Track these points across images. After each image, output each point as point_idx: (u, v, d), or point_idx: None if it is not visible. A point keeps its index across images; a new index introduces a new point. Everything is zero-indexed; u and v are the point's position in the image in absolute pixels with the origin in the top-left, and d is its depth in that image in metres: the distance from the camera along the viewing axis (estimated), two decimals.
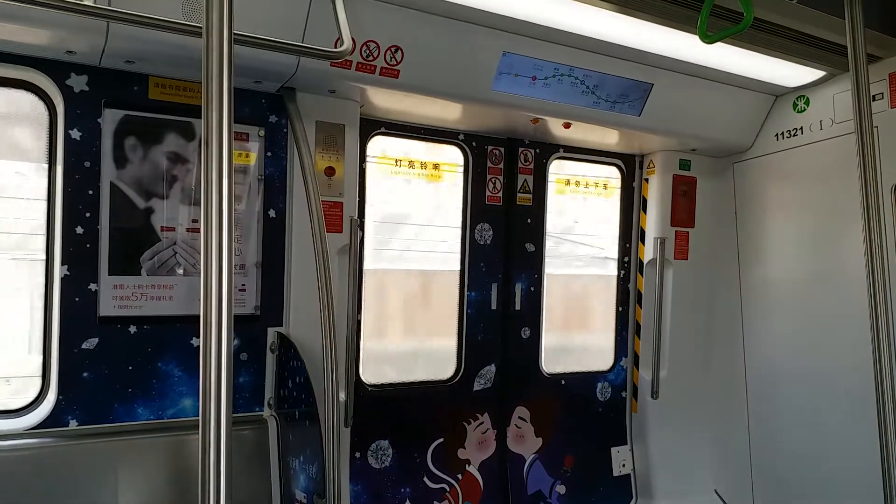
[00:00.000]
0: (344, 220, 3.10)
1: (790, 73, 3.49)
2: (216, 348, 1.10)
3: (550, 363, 4.06)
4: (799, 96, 3.70)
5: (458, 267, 3.78)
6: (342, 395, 3.08)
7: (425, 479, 3.64)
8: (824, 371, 3.59)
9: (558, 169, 4.09)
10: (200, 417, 1.10)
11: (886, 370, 2.17)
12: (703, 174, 4.22)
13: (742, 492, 4.10)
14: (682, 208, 4.17)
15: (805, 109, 3.67)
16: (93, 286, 2.71)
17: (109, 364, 2.75)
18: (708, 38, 2.51)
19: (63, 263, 2.66)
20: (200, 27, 1.17)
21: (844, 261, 3.43)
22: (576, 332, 4.41)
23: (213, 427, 1.09)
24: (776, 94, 3.80)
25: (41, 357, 2.72)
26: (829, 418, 3.57)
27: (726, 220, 4.19)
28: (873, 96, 3.21)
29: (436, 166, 3.72)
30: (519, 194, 3.89)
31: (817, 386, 3.63)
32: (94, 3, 2.08)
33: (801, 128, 3.70)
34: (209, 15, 1.15)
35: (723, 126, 3.82)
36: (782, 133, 3.81)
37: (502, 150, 3.85)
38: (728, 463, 4.20)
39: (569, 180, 4.16)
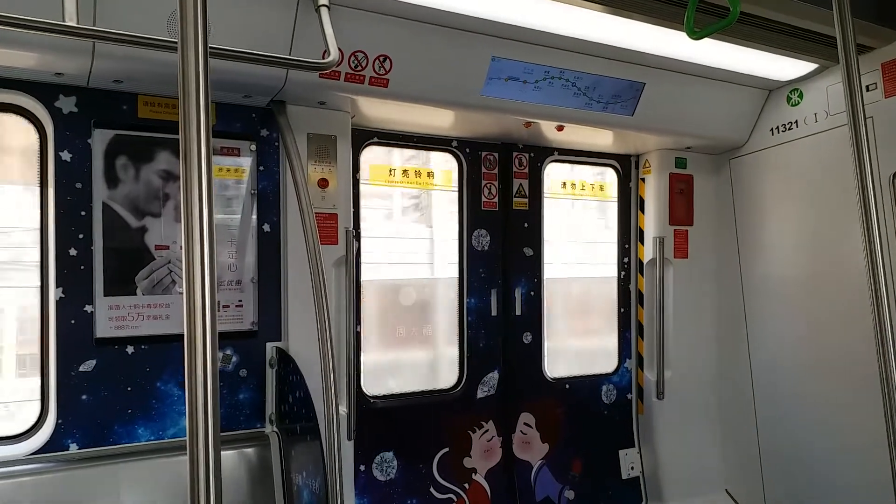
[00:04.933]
0: (339, 231, 3.08)
1: (782, 67, 3.48)
2: (202, 366, 1.08)
3: (553, 367, 4.03)
4: (792, 90, 3.68)
5: (456, 274, 3.76)
6: (343, 409, 3.06)
7: (432, 489, 3.60)
8: (830, 365, 3.55)
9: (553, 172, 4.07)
10: (188, 440, 1.07)
11: (891, 362, 2.14)
12: (700, 171, 4.20)
13: (753, 490, 4.06)
14: (680, 207, 4.15)
15: (799, 103, 3.66)
16: (88, 308, 2.70)
17: (108, 386, 2.74)
18: (695, 34, 2.48)
19: (58, 286, 2.65)
20: (176, 42, 1.16)
21: (845, 253, 3.40)
22: (578, 336, 4.39)
23: (202, 449, 1.07)
24: (769, 88, 3.78)
25: (39, 381, 2.71)
26: (836, 412, 3.53)
27: (725, 217, 4.17)
28: (866, 87, 3.19)
29: (430, 174, 3.71)
30: (515, 199, 3.87)
31: (824, 380, 3.59)
32: (78, 22, 2.08)
33: (796, 121, 3.67)
34: (184, 28, 1.14)
35: (717, 122, 3.80)
36: (777, 127, 3.79)
37: (496, 155, 3.83)
38: (738, 461, 4.16)
39: (565, 182, 4.14)
